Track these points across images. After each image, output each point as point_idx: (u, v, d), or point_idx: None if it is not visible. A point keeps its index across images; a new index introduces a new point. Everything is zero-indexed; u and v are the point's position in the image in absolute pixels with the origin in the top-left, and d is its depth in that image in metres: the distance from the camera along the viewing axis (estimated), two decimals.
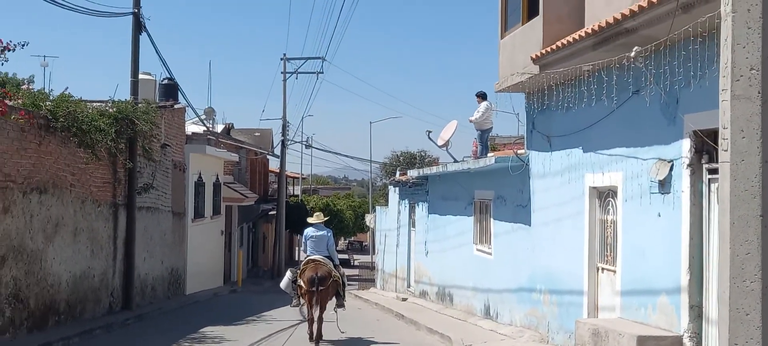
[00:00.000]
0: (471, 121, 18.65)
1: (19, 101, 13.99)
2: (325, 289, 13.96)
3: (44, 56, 28.44)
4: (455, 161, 19.89)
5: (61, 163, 14.90)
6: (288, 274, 15.25)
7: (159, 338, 14.86)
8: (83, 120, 14.98)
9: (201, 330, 16.07)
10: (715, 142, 8.72)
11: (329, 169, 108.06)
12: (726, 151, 4.63)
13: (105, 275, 17.61)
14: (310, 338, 14.13)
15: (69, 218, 15.39)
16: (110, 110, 17.08)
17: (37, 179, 13.86)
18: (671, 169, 9.67)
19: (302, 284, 14.12)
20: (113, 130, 16.58)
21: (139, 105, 18.83)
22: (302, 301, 14.55)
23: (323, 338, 14.19)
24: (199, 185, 27.31)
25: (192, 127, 30.67)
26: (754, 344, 4.52)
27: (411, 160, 55.99)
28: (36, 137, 13.84)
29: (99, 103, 17.70)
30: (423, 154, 59.39)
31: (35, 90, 14.54)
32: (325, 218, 15.65)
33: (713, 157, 8.93)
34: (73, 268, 15.67)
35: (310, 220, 15.32)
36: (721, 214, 4.63)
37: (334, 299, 14.79)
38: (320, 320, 14.02)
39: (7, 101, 12.80)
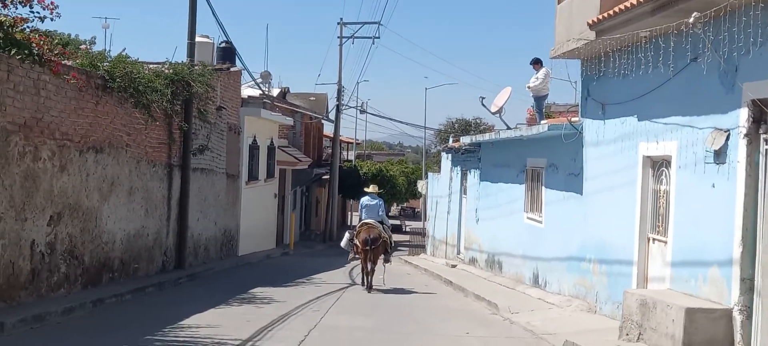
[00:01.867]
0: (529, 88, 18.40)
1: (78, 61, 14.20)
2: (376, 248, 17.29)
3: (105, 18, 28.89)
4: (508, 128, 19.73)
5: (117, 124, 15.12)
6: (347, 234, 18.47)
7: (210, 296, 15.04)
8: (139, 81, 15.17)
9: (251, 291, 16.25)
10: None
11: (384, 136, 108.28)
12: None
13: (159, 234, 17.89)
14: (365, 286, 17.51)
15: (124, 178, 15.64)
16: (166, 72, 17.25)
17: (94, 139, 14.09)
18: (727, 138, 9.46)
19: (358, 243, 17.40)
20: (169, 92, 16.76)
21: (195, 67, 18.99)
22: (357, 256, 17.89)
23: (374, 287, 17.51)
24: (254, 147, 27.54)
25: (248, 91, 30.91)
26: None
27: (466, 127, 55.59)
28: (93, 97, 14.05)
29: (155, 65, 17.89)
30: (478, 122, 58.93)
31: (94, 51, 14.72)
32: (380, 191, 18.81)
33: None
34: (128, 226, 15.96)
35: (366, 190, 18.78)
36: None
37: (383, 255, 17.98)
38: (372, 271, 17.47)
39: (66, 61, 12.99)
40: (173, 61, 18.14)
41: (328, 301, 15.50)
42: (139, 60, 16.37)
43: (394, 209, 74.05)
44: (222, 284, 17.77)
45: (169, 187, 18.45)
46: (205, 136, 20.64)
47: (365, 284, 17.52)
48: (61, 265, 13.04)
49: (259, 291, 16.27)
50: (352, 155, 65.89)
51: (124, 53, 15.34)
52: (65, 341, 10.20)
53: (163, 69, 17.43)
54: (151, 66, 17.18)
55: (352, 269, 22.61)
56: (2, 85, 11.07)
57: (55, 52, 12.13)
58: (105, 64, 14.61)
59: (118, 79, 14.58)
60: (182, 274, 18.45)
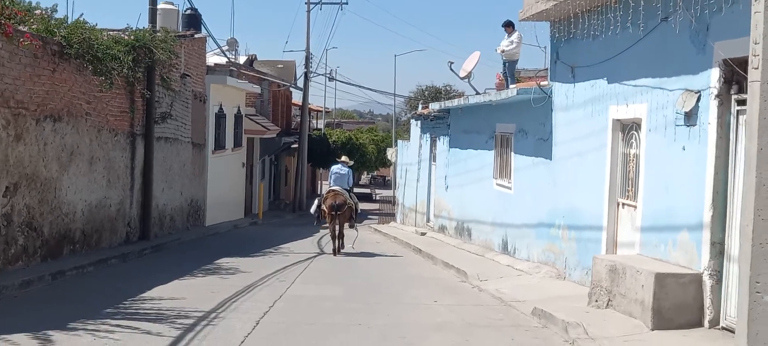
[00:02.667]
0: (500, 52, 18.09)
1: (34, 27, 13.73)
2: (342, 213, 18.18)
3: None
4: (477, 93, 19.53)
5: (76, 91, 14.67)
6: (316, 201, 19.73)
7: (174, 267, 14.77)
8: (98, 47, 14.71)
9: (217, 261, 15.99)
10: (746, 71, 8.34)
11: (354, 104, 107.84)
12: (756, 69, 4.21)
13: (122, 204, 17.52)
14: (333, 251, 18.30)
15: (84, 147, 15.23)
16: (127, 38, 16.80)
17: (51, 107, 13.65)
18: (698, 100, 9.30)
19: (325, 209, 18.34)
20: (130, 59, 16.31)
21: (158, 33, 18.55)
22: (325, 223, 18.94)
23: (342, 250, 18.51)
24: (220, 116, 27.12)
25: (214, 59, 30.40)
26: None
27: (436, 94, 55.44)
28: (49, 64, 13.59)
29: (115, 32, 17.43)
30: (448, 89, 58.81)
31: (53, 17, 14.24)
32: (350, 162, 20.14)
33: (743, 88, 8.53)
34: (89, 197, 15.57)
35: (338, 159, 19.84)
36: (748, 139, 4.23)
37: (348, 221, 18.88)
38: (340, 235, 18.47)
39: (21, 27, 12.55)
40: (135, 28, 17.66)
41: (295, 271, 15.30)
42: (98, 26, 15.90)
43: (365, 178, 73.88)
44: (187, 255, 17.48)
45: (132, 156, 18.05)
46: (169, 105, 20.21)
47: (333, 248, 18.33)
48: (18, 237, 12.66)
49: (225, 262, 16.01)
50: (321, 124, 65.51)
51: (81, 19, 14.86)
52: (19, 316, 9.87)
53: (123, 35, 16.96)
54: (110, 32, 16.70)
55: (321, 238, 22.46)
56: None
57: (5, 13, 11.65)
58: (62, 30, 14.12)
59: (75, 46, 14.10)
60: (147, 245, 18.11)
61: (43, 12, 14.50)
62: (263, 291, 12.48)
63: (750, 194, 4.14)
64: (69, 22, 14.62)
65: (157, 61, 18.07)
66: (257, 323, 9.85)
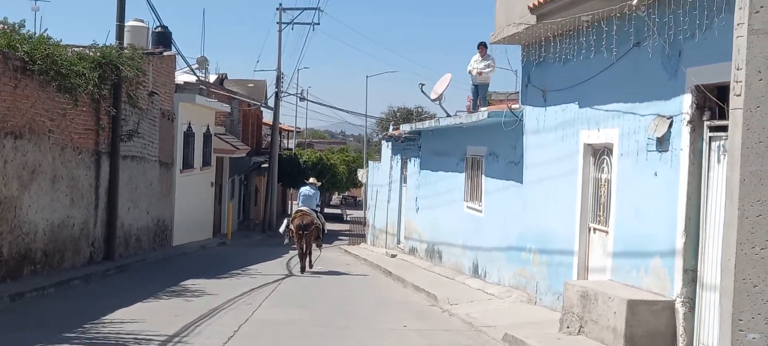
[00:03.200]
0: (469, 72, 17.94)
1: None
2: (309, 232, 18.90)
3: (35, 0, 27.71)
4: (448, 116, 19.41)
5: (38, 108, 14.35)
6: (285, 221, 20.33)
7: (139, 289, 14.44)
8: (62, 64, 14.41)
9: (182, 283, 15.68)
10: (719, 98, 8.25)
11: (326, 124, 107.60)
12: (739, 95, 4.03)
13: (86, 224, 17.16)
14: (301, 269, 19.00)
15: (47, 165, 14.89)
16: (93, 55, 16.50)
17: (12, 124, 13.32)
18: (670, 125, 9.20)
19: (293, 228, 19.05)
20: (96, 76, 16.04)
21: (125, 51, 18.27)
22: (294, 242, 19.47)
23: (309, 269, 19.22)
24: (189, 135, 26.80)
25: (184, 77, 30.10)
26: (762, 321, 3.96)
27: (407, 115, 55.32)
28: (11, 80, 13.26)
29: (81, 48, 17.11)
30: (420, 110, 58.69)
31: (19, 32, 13.89)
32: (319, 183, 21.09)
33: (715, 114, 8.45)
34: (51, 216, 15.22)
35: (306, 181, 20.70)
36: (730, 169, 4.05)
37: (315, 241, 19.57)
38: (308, 254, 19.26)
39: None
40: (101, 45, 17.36)
41: (262, 293, 15.03)
42: (63, 42, 15.58)
43: (336, 198, 73.57)
44: (152, 276, 17.14)
45: (97, 175, 17.70)
46: (136, 123, 19.88)
47: (301, 266, 19.11)
48: None
49: (190, 283, 15.71)
50: (293, 144, 65.19)
51: (45, 35, 14.55)
52: None
53: (89, 52, 16.65)
54: (75, 49, 16.39)
55: (290, 259, 22.21)
56: None
57: None
58: (25, 45, 13.78)
59: (39, 62, 13.79)
60: (111, 265, 17.76)
61: (6, 27, 14.17)
62: (228, 314, 12.20)
63: (732, 228, 3.96)
64: (33, 38, 14.29)
65: (124, 78, 17.79)
66: None
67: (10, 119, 13.20)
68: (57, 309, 12.18)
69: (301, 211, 19.38)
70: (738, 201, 3.90)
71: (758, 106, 3.92)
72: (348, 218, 57.11)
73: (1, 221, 13.11)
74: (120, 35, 18.79)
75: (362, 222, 42.60)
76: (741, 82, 3.98)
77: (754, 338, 3.87)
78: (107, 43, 17.80)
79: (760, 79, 3.91)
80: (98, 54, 16.74)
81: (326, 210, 62.04)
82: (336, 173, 50.36)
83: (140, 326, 10.65)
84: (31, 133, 14.10)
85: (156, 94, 21.94)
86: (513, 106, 14.70)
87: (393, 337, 11.01)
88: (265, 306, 13.39)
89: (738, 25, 4.14)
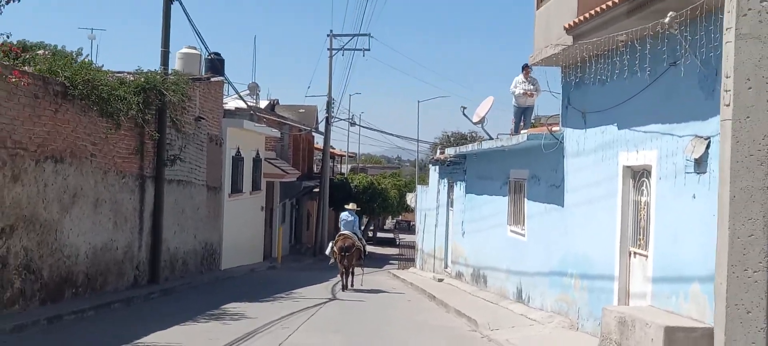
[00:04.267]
0: (514, 93, 17.65)
1: (38, 67, 13.60)
2: (351, 254, 20.80)
3: (92, 29, 28.28)
4: (490, 138, 19.18)
5: (80, 132, 14.53)
6: (330, 244, 22.02)
7: (178, 312, 14.45)
8: (103, 89, 14.57)
9: (223, 306, 15.66)
10: None
11: (382, 149, 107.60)
12: (728, 105, 3.78)
13: (130, 247, 17.29)
14: (343, 287, 20.92)
15: (89, 189, 15.04)
16: (136, 80, 16.69)
17: (53, 148, 13.49)
18: (708, 146, 8.88)
19: (335, 250, 20.95)
20: (139, 100, 16.21)
21: (169, 76, 18.44)
22: (336, 260, 21.20)
23: (350, 287, 21.00)
24: (238, 159, 26.94)
25: (237, 103, 30.36)
26: None
27: (461, 140, 55.04)
28: (51, 105, 13.45)
29: (123, 74, 17.32)
30: (473, 135, 58.32)
31: (51, 56, 14.10)
32: (358, 208, 23.13)
33: None
34: (93, 239, 15.35)
35: (346, 207, 22.53)
36: (721, 185, 3.80)
37: (356, 260, 21.38)
38: (350, 273, 21.19)
39: (26, 68, 12.36)
40: (145, 70, 17.56)
41: (301, 317, 14.93)
42: (106, 69, 15.79)
43: (390, 223, 73.47)
44: (195, 300, 17.17)
45: (142, 198, 17.85)
46: (181, 147, 20.03)
47: (343, 284, 21.02)
48: (15, 280, 12.43)
49: (232, 306, 15.69)
50: (346, 168, 65.31)
51: (87, 60, 14.76)
52: None
53: (131, 77, 16.84)
54: (117, 74, 16.60)
55: (336, 283, 22.15)
56: None
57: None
58: (66, 71, 13.97)
59: (79, 87, 13.98)
60: (155, 289, 17.83)
61: (45, 52, 14.41)
62: (262, 339, 12.12)
63: (723, 249, 3.69)
64: (74, 64, 14.50)
65: (169, 103, 17.94)
66: None
67: (50, 143, 13.37)
68: (92, 332, 12.23)
69: (343, 234, 21.14)
70: (728, 220, 3.65)
71: (748, 117, 3.67)
72: (400, 242, 56.91)
73: (41, 243, 13.26)
74: (164, 61, 18.93)
75: (414, 246, 42.42)
76: (730, 91, 3.74)
77: None
78: (152, 70, 17.99)
79: (749, 88, 3.65)
80: (142, 79, 16.91)
81: (379, 235, 62.04)
82: (387, 197, 50.26)
83: None
84: (73, 157, 14.28)
85: (203, 119, 22.12)
86: (554, 129, 14.44)
87: None
88: (301, 330, 13.29)
89: (726, 29, 3.90)
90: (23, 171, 12.52)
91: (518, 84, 17.64)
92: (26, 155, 12.60)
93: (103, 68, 15.62)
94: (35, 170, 12.92)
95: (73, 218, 14.43)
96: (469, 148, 20.95)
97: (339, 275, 21.59)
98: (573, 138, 13.49)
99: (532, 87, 17.63)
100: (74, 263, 14.56)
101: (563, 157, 13.94)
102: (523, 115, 18.02)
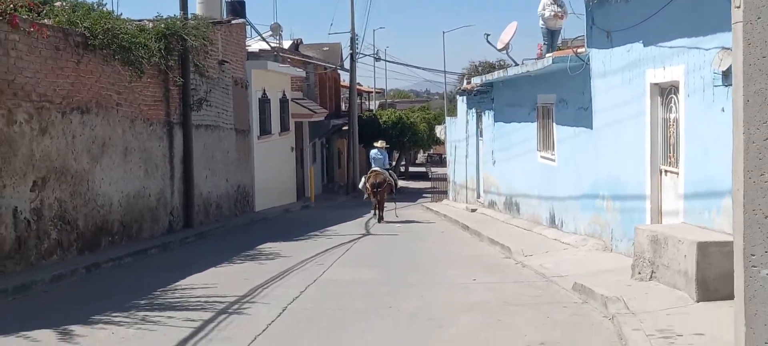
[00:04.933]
0: (543, 15, 17.32)
1: (57, 19, 13.58)
2: (382, 189, 22.18)
3: None
4: (515, 64, 18.98)
5: (103, 82, 14.54)
6: (362, 179, 23.78)
7: (213, 255, 14.58)
8: (123, 37, 14.55)
9: (258, 247, 15.81)
10: None
11: (410, 83, 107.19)
12: (738, 7, 3.64)
13: (162, 194, 17.43)
14: (377, 218, 22.27)
15: (117, 138, 15.13)
16: (155, 26, 16.64)
17: (78, 99, 13.53)
18: None
19: (368, 186, 22.42)
20: (161, 47, 16.19)
21: (189, 21, 18.38)
22: (369, 195, 22.78)
23: (383, 219, 22.22)
24: (264, 101, 26.94)
25: (260, 45, 30.26)
26: None
27: (489, 69, 54.48)
28: (73, 56, 13.45)
29: (142, 21, 17.27)
30: (501, 63, 57.72)
31: (68, 7, 14.05)
32: (386, 145, 24.21)
33: None
34: (126, 188, 15.49)
35: (375, 144, 23.76)
36: (734, 90, 3.70)
37: (388, 194, 22.79)
38: (382, 207, 22.54)
39: (46, 20, 12.36)
40: (164, 16, 17.51)
41: (335, 253, 15.04)
42: (125, 16, 15.77)
43: (421, 156, 73.37)
44: (230, 241, 17.34)
45: (171, 145, 17.93)
46: (206, 91, 20.02)
47: (377, 217, 22.36)
48: (51, 231, 12.59)
49: (266, 247, 15.83)
50: (374, 105, 65.11)
51: (106, 9, 14.72)
52: (44, 310, 9.78)
53: (149, 24, 16.79)
54: (136, 22, 16.55)
55: (369, 219, 22.31)
56: None
57: (18, 4, 11.40)
58: (86, 21, 13.94)
59: (99, 36, 13.94)
60: (190, 233, 18.02)
61: (62, 4, 14.37)
62: (298, 276, 12.21)
63: (739, 155, 3.63)
64: (93, 13, 14.46)
65: (191, 48, 17.90)
66: (284, 310, 9.57)
67: (75, 95, 13.41)
68: (130, 278, 12.40)
69: (374, 171, 22.47)
70: (743, 125, 3.57)
71: (759, 18, 3.54)
72: (432, 175, 56.89)
73: (74, 194, 13.40)
74: (184, 6, 18.84)
75: (445, 178, 42.40)
76: None
77: (767, 274, 3.55)
78: (172, 16, 17.93)
79: None
80: (162, 26, 16.86)
81: (411, 169, 62.04)
82: (417, 131, 50.09)
83: (209, 292, 10.75)
84: (99, 108, 14.33)
85: (226, 62, 22.08)
86: (579, 50, 14.23)
87: (459, 291, 10.84)
88: (335, 266, 13.39)
89: None
90: (50, 123, 12.59)
91: (546, 6, 17.32)
92: (52, 108, 12.66)
93: (123, 17, 15.58)
94: (62, 122, 12.99)
95: (104, 168, 14.54)
96: (495, 76, 20.76)
97: (372, 210, 23.00)
98: (599, 58, 13.30)
99: (560, 9, 17.32)
100: (108, 212, 14.71)
101: (590, 78, 13.76)
102: (551, 37, 17.75)
